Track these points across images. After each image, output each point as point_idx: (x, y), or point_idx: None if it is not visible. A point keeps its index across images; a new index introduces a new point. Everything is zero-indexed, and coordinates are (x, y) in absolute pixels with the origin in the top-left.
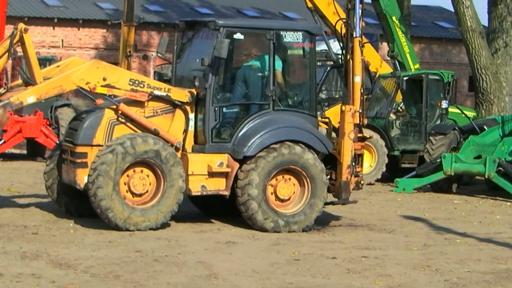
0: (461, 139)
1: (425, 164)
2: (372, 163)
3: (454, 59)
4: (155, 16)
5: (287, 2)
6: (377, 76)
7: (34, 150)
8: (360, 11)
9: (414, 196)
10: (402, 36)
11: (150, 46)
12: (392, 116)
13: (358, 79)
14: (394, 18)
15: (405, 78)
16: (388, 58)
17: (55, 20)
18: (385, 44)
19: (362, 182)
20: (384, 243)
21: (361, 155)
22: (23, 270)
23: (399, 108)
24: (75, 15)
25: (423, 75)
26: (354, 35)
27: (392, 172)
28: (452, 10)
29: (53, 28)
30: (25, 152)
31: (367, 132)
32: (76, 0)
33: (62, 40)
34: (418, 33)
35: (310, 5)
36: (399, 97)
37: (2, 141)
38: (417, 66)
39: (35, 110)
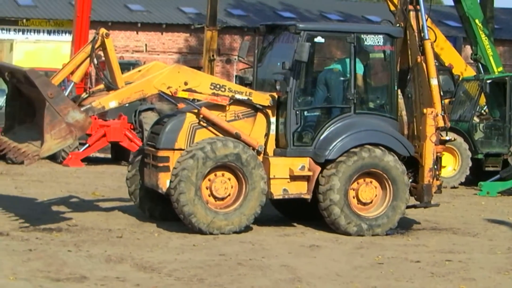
0: None
1: (509, 167)
2: (455, 167)
3: None
4: (238, 20)
5: (370, 6)
6: (460, 79)
7: (118, 154)
8: (426, 11)
9: (498, 200)
10: (485, 39)
11: (233, 50)
12: (476, 119)
13: (435, 81)
14: (477, 20)
15: (488, 81)
16: (471, 61)
17: (139, 25)
18: (468, 47)
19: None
20: (468, 247)
21: (440, 158)
22: (108, 274)
23: (482, 111)
24: (158, 19)
25: (506, 78)
26: (424, 37)
27: (476, 175)
28: None
29: (137, 33)
30: (109, 156)
31: (450, 135)
32: (159, 5)
33: (146, 45)
34: (502, 36)
35: (392, 8)
36: (482, 100)
37: (87, 145)
38: (500, 69)
39: (119, 114)
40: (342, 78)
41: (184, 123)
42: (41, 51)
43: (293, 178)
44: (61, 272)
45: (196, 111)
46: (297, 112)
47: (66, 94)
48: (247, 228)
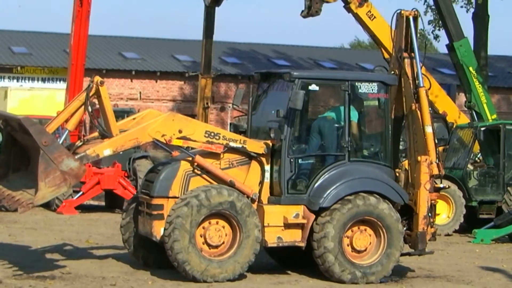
0: None
1: (503, 215)
2: (449, 214)
3: None
4: (233, 68)
5: (363, 53)
6: (454, 126)
7: (112, 202)
8: (421, 59)
9: (492, 247)
10: (479, 87)
11: (228, 97)
12: (470, 167)
13: (429, 129)
14: (471, 68)
15: (482, 129)
16: (465, 109)
17: (133, 73)
18: (462, 95)
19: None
20: None
21: (434, 205)
22: None
23: (476, 158)
24: (152, 67)
25: (500, 126)
26: (418, 85)
27: (470, 223)
28: None
29: (131, 80)
30: (103, 203)
31: (444, 183)
32: (154, 53)
33: (140, 92)
34: (496, 83)
35: (387, 55)
36: (476, 147)
37: (81, 192)
38: (494, 116)
39: (113, 162)
40: (336, 126)
41: (178, 171)
42: (35, 99)
43: (287, 226)
44: None
45: (190, 159)
46: (291, 160)
47: (60, 142)
48: (241, 276)
